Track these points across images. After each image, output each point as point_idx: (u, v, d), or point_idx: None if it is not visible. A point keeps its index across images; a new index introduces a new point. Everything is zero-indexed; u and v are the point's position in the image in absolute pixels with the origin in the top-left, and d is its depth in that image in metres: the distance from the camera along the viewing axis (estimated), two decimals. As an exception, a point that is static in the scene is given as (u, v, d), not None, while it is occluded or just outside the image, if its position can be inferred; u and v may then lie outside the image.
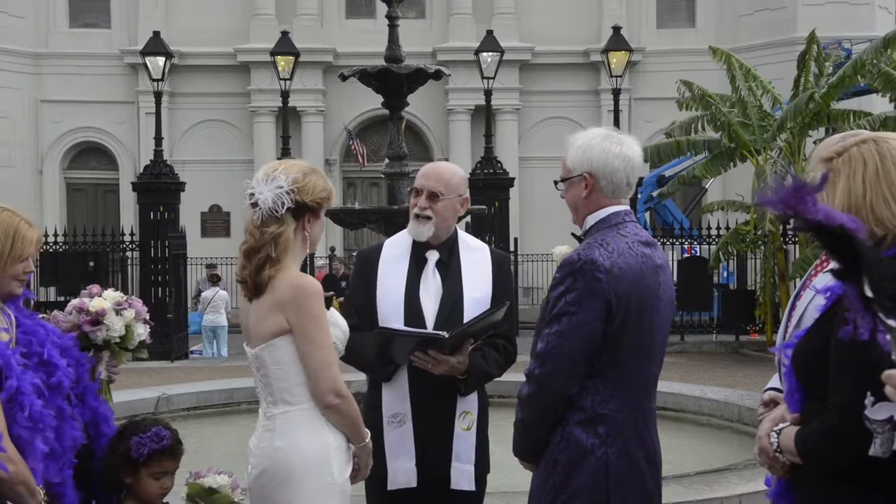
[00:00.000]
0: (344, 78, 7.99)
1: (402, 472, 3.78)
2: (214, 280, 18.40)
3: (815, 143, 14.42)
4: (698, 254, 18.32)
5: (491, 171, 18.32)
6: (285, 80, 22.17)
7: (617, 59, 20.18)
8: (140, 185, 17.42)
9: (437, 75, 7.81)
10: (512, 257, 14.16)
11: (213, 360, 16.15)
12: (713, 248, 17.16)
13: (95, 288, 3.55)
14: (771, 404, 2.75)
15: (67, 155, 29.13)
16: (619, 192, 3.18)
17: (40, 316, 3.29)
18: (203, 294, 17.97)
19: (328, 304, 3.25)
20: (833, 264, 2.01)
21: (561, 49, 28.35)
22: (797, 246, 15.96)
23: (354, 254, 5.29)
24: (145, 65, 19.14)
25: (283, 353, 3.17)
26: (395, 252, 3.94)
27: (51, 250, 17.82)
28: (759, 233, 15.96)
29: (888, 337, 1.88)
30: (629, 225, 3.16)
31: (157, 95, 18.64)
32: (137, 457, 3.35)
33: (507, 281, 4.02)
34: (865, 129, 10.17)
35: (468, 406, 3.83)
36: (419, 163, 7.98)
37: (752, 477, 5.75)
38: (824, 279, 2.66)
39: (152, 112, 20.11)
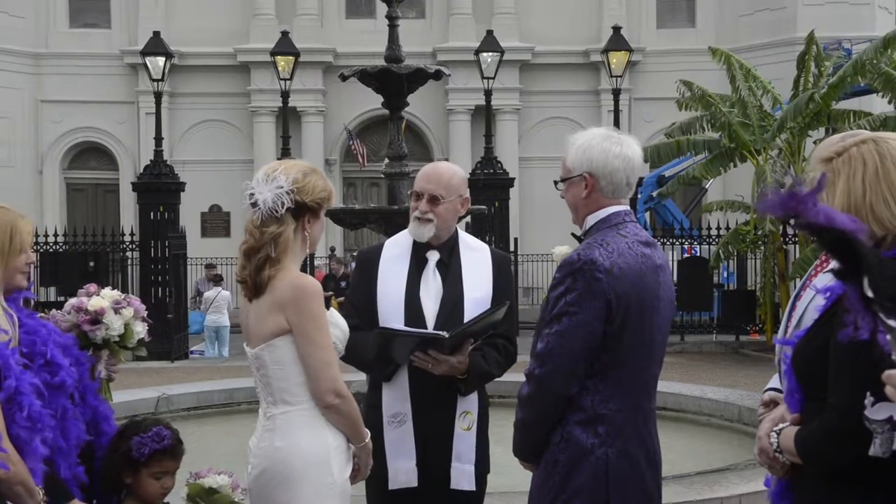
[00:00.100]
0: (344, 78, 7.99)
1: (403, 471, 3.78)
2: (217, 280, 18.41)
3: (815, 143, 14.42)
4: (698, 254, 18.32)
5: (491, 171, 18.32)
6: (285, 80, 22.17)
7: (617, 59, 20.18)
8: (140, 185, 17.42)
9: (437, 75, 7.81)
10: (512, 257, 14.16)
11: (213, 360, 16.15)
12: (713, 248, 17.17)
13: (93, 287, 3.55)
14: (771, 404, 2.76)
15: (67, 155, 29.14)
16: (618, 193, 3.18)
17: (39, 315, 3.30)
18: (205, 294, 17.97)
19: (327, 304, 3.25)
20: (833, 264, 2.01)
21: (561, 49, 28.36)
22: (797, 246, 15.97)
23: (354, 254, 5.29)
24: (145, 65, 19.14)
25: (283, 353, 3.17)
26: (395, 252, 3.94)
27: (51, 250, 17.82)
28: (759, 233, 15.97)
29: (888, 337, 1.88)
30: (629, 225, 3.16)
31: (157, 95, 18.64)
32: (138, 456, 3.35)
33: (508, 281, 4.02)
34: (865, 129, 10.17)
35: (468, 406, 3.83)
36: (419, 163, 7.97)
37: (752, 477, 5.75)
38: (824, 279, 2.66)
39: (152, 112, 20.12)
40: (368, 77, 7.74)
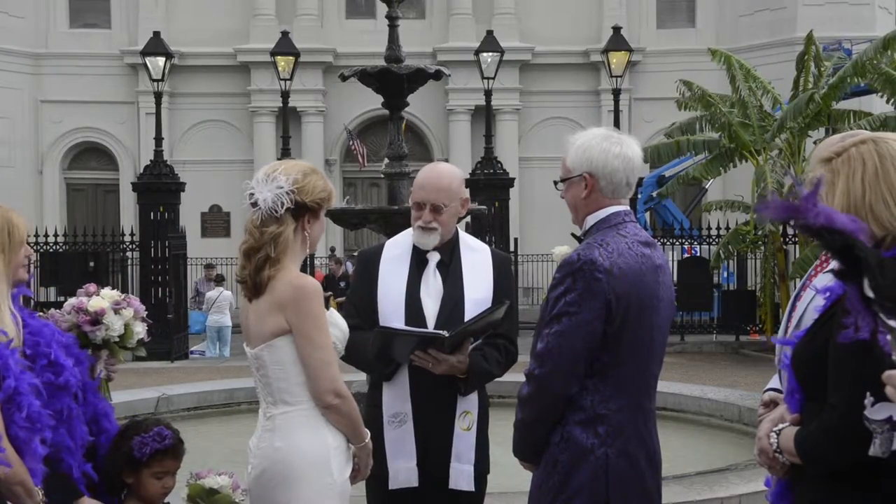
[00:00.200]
0: (344, 78, 7.99)
1: (403, 471, 3.78)
2: (219, 280, 18.41)
3: (815, 143, 14.42)
4: (698, 254, 18.33)
5: (491, 171, 18.33)
6: (285, 80, 22.18)
7: (617, 60, 20.19)
8: (140, 186, 17.42)
9: (437, 75, 7.81)
10: (512, 257, 14.17)
11: (213, 360, 16.15)
12: (713, 248, 17.17)
13: (92, 287, 3.55)
14: (771, 405, 2.76)
15: (67, 155, 29.14)
16: (618, 193, 3.18)
17: (38, 315, 3.30)
18: (207, 294, 17.97)
19: (326, 304, 3.25)
20: (833, 265, 2.01)
21: (561, 49, 28.36)
22: (797, 246, 15.97)
23: (355, 254, 5.29)
24: (145, 65, 19.15)
25: (283, 354, 3.17)
26: (396, 252, 3.94)
27: (51, 250, 17.83)
28: (759, 233, 15.97)
29: (888, 337, 1.89)
30: (629, 225, 3.16)
31: (157, 95, 18.65)
32: (139, 456, 3.35)
33: (508, 282, 4.02)
34: (865, 129, 10.18)
35: (468, 406, 3.83)
36: (419, 163, 7.98)
37: (752, 477, 5.75)
38: (824, 279, 2.66)
39: (152, 112, 20.12)
40: (368, 77, 7.75)
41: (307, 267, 17.30)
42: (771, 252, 16.29)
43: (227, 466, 3.70)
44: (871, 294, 1.89)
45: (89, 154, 29.38)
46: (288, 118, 23.05)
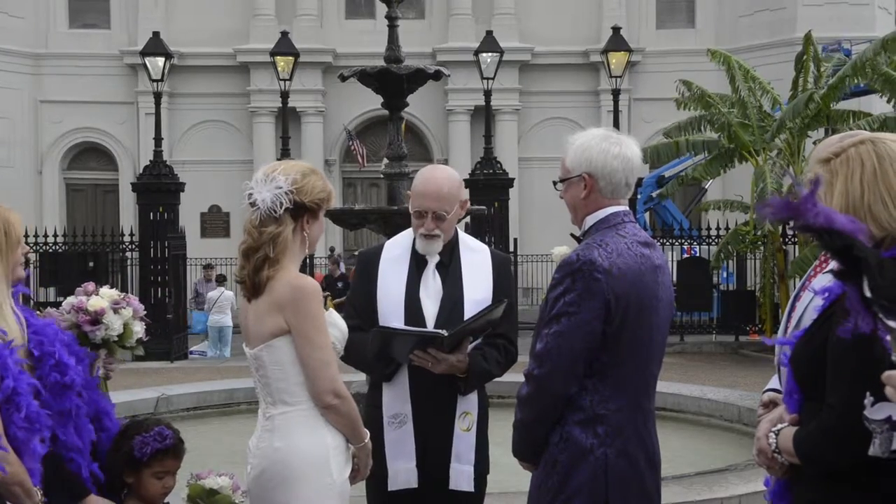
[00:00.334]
0: (343, 78, 7.99)
1: (403, 472, 3.78)
2: (220, 280, 18.41)
3: (814, 143, 14.42)
4: (698, 254, 18.33)
5: (490, 171, 18.33)
6: (285, 80, 22.19)
7: (617, 60, 20.19)
8: (140, 186, 17.42)
9: (437, 76, 7.81)
10: (511, 258, 14.17)
11: (213, 360, 16.15)
12: (713, 248, 17.17)
13: (91, 286, 3.55)
14: (770, 405, 2.76)
15: (67, 155, 29.14)
16: (617, 193, 3.18)
17: (36, 314, 3.31)
18: (209, 294, 17.98)
19: (324, 304, 3.25)
20: (833, 265, 2.01)
21: (561, 49, 28.37)
22: (796, 246, 15.98)
23: (355, 254, 5.29)
24: (145, 65, 19.15)
25: (282, 354, 3.17)
26: (395, 253, 3.94)
27: (50, 250, 17.83)
28: (759, 233, 15.97)
29: (888, 337, 1.89)
30: (628, 225, 3.16)
31: (157, 96, 18.65)
32: (140, 456, 3.34)
33: (508, 282, 4.02)
34: (864, 129, 10.17)
35: (468, 406, 3.83)
36: (419, 163, 7.98)
37: (752, 477, 5.75)
38: (823, 281, 2.66)
39: (152, 112, 20.13)
40: (368, 77, 7.75)
41: (307, 267, 17.31)
42: (770, 252, 16.29)
43: (226, 466, 3.70)
44: (870, 294, 1.89)
45: (89, 154, 29.38)
46: (287, 118, 23.07)
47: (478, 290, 3.86)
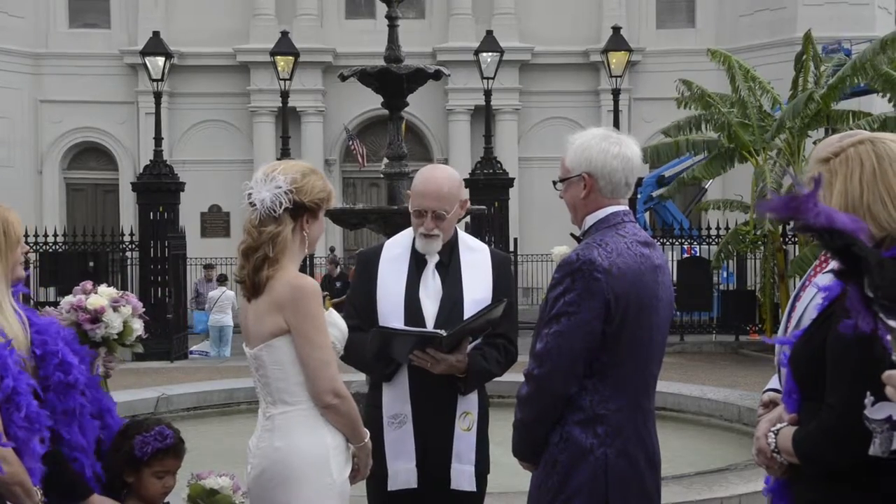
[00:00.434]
0: (344, 78, 7.99)
1: (403, 472, 3.78)
2: (221, 280, 18.42)
3: (814, 143, 14.41)
4: (698, 254, 18.33)
5: (490, 171, 18.33)
6: (285, 80, 22.19)
7: (617, 60, 20.19)
8: (140, 186, 17.41)
9: (437, 75, 7.81)
10: (511, 257, 14.16)
11: (213, 360, 16.15)
12: (713, 248, 17.17)
13: (89, 284, 3.56)
14: (770, 405, 2.76)
15: (67, 155, 29.15)
16: (617, 193, 3.18)
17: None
18: (210, 294, 17.98)
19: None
20: (833, 264, 2.01)
21: (561, 49, 28.37)
22: (796, 246, 15.97)
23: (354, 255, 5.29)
24: (145, 65, 19.15)
25: (282, 354, 3.17)
26: (395, 253, 3.94)
27: (50, 250, 17.83)
28: (759, 233, 15.96)
29: (889, 337, 1.89)
30: (628, 225, 3.16)
31: (157, 95, 18.65)
32: (141, 455, 3.34)
33: (508, 282, 4.02)
34: (864, 129, 10.17)
35: (468, 406, 3.83)
36: (419, 163, 7.98)
37: (752, 477, 5.75)
38: (825, 279, 2.66)
39: (152, 112, 20.12)
40: (368, 77, 7.75)
41: (307, 267, 17.31)
42: (770, 252, 16.29)
43: (226, 466, 3.70)
44: (871, 294, 1.89)
45: (89, 154, 29.38)
46: (287, 118, 23.07)
47: (477, 289, 3.86)
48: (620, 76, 20.27)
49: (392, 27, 7.87)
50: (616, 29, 20.95)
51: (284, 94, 22.30)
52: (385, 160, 8.25)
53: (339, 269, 21.36)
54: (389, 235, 4.28)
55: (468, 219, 13.67)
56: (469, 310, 3.79)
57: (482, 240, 5.31)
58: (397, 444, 3.78)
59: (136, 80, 27.79)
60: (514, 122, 28.67)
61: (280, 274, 3.17)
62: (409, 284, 3.85)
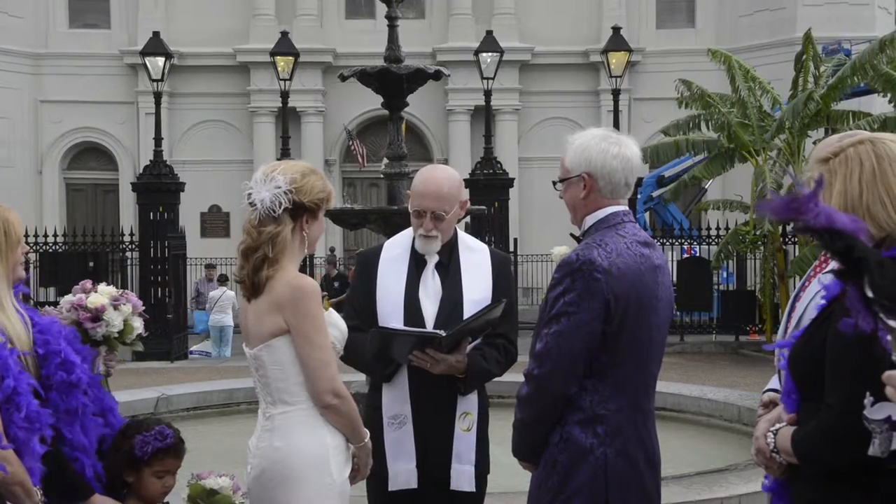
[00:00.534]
0: (343, 78, 7.99)
1: (403, 472, 3.78)
2: (222, 280, 18.42)
3: (814, 143, 14.41)
4: (698, 254, 18.33)
5: (490, 171, 18.33)
6: (285, 80, 22.19)
7: (616, 60, 20.19)
8: (140, 186, 17.41)
9: (437, 76, 7.81)
10: (511, 257, 14.16)
11: (213, 360, 16.15)
12: (713, 248, 17.17)
13: (89, 283, 3.56)
14: (770, 405, 2.76)
15: (67, 155, 29.14)
16: (617, 193, 3.18)
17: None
18: (211, 294, 17.99)
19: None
20: (833, 264, 2.01)
21: (561, 49, 28.37)
22: (796, 246, 15.97)
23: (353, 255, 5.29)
24: (145, 65, 19.15)
25: (282, 354, 3.17)
26: (394, 253, 3.94)
27: (50, 250, 17.84)
28: (759, 233, 15.96)
29: (889, 337, 1.89)
30: (628, 225, 3.16)
31: (157, 96, 18.65)
32: (141, 455, 3.34)
33: (507, 282, 4.02)
34: (864, 129, 10.16)
35: (468, 407, 3.83)
36: (419, 163, 7.97)
37: (752, 477, 5.75)
38: (826, 278, 2.66)
39: (152, 112, 20.12)
40: (368, 77, 7.75)
41: (307, 267, 17.31)
42: (770, 252, 16.29)
43: (226, 466, 3.70)
44: (871, 294, 1.89)
45: (89, 154, 29.38)
46: (287, 118, 23.07)
47: (477, 289, 3.86)
48: (620, 76, 20.27)
49: (392, 27, 7.87)
50: (616, 29, 20.96)
51: (284, 95, 22.30)
52: (385, 160, 8.25)
53: (336, 270, 21.35)
54: (389, 235, 4.28)
55: (468, 219, 13.67)
56: (469, 310, 3.79)
57: (482, 240, 5.31)
58: (397, 445, 3.78)
59: (136, 80, 27.78)
60: (514, 122, 28.67)
61: (280, 274, 3.17)
62: (408, 285, 3.85)
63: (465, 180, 7.78)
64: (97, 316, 3.45)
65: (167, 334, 15.70)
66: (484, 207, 13.27)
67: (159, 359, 14.60)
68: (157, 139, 18.03)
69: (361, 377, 5.59)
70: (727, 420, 8.75)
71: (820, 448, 2.36)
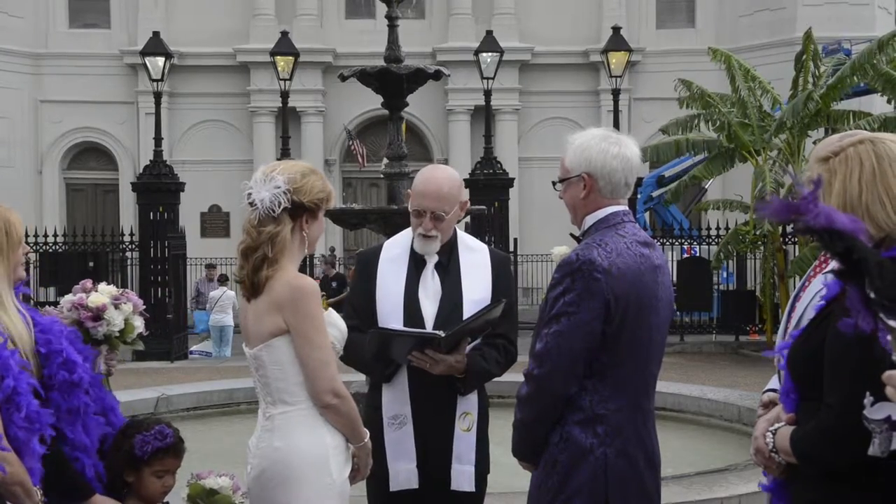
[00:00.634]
0: (343, 78, 7.99)
1: (403, 473, 3.78)
2: (223, 280, 18.42)
3: (814, 143, 14.40)
4: (698, 254, 18.33)
5: (490, 171, 18.33)
6: (285, 80, 22.19)
7: (616, 60, 20.19)
8: (140, 186, 17.42)
9: (437, 75, 7.81)
10: (511, 257, 14.16)
11: (213, 360, 16.16)
12: (713, 248, 17.17)
13: (89, 283, 3.56)
14: (770, 406, 2.75)
15: (67, 155, 29.15)
16: (617, 193, 3.18)
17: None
18: (211, 294, 18.00)
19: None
20: (834, 264, 2.01)
21: (561, 49, 28.37)
22: (796, 246, 15.97)
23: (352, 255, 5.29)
24: (145, 65, 19.16)
25: (282, 354, 3.17)
26: (394, 253, 3.94)
27: (50, 250, 17.84)
28: (759, 233, 15.97)
29: (889, 337, 1.89)
30: (627, 225, 3.16)
31: (157, 96, 18.65)
32: (141, 454, 3.34)
33: (507, 282, 4.02)
34: (864, 129, 10.15)
35: (468, 407, 3.83)
36: (419, 163, 7.98)
37: (752, 477, 5.74)
38: (826, 278, 2.66)
39: (152, 112, 20.13)
40: (368, 77, 7.75)
41: (307, 267, 17.31)
42: (770, 252, 16.29)
43: (226, 466, 3.70)
44: (871, 294, 1.89)
45: (89, 154, 29.38)
46: (287, 118, 23.07)
47: (477, 289, 3.86)
48: (620, 76, 20.27)
49: (392, 27, 7.87)
50: (616, 29, 20.96)
51: (284, 95, 22.30)
52: (385, 160, 8.25)
53: (335, 270, 21.36)
54: (389, 236, 4.28)
55: (468, 219, 13.67)
56: (468, 310, 3.79)
57: (482, 240, 5.31)
58: (398, 445, 3.78)
59: (136, 80, 27.78)
60: (514, 122, 28.67)
61: (279, 274, 3.17)
62: (408, 285, 3.85)
63: (465, 180, 7.79)
64: (98, 315, 3.45)
65: (167, 334, 15.71)
66: (484, 207, 13.27)
67: (159, 359, 14.60)
68: (157, 139, 18.03)
69: (361, 377, 5.59)
70: (727, 420, 8.75)
71: (819, 448, 2.36)
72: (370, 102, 17.31)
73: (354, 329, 3.59)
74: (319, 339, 3.16)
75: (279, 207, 3.17)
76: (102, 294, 3.50)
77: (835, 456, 2.34)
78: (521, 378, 3.12)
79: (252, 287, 3.20)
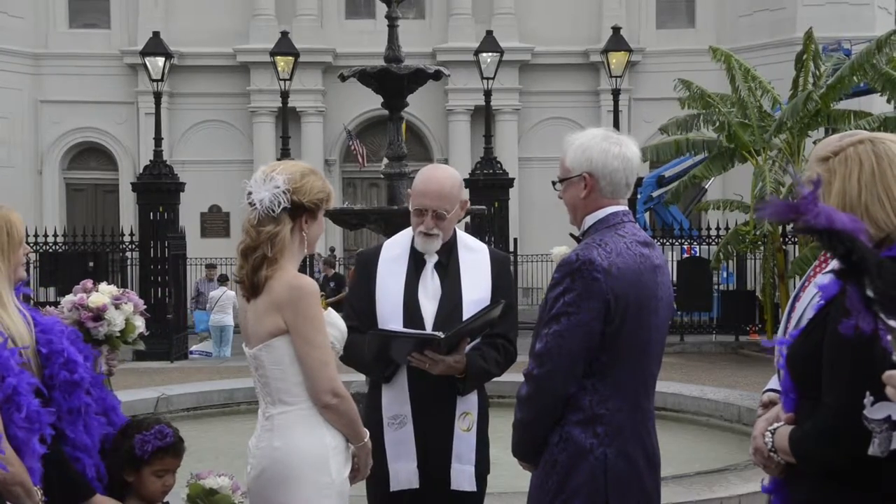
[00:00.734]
0: (343, 78, 7.99)
1: (404, 472, 3.78)
2: (223, 280, 18.43)
3: (814, 143, 14.40)
4: (698, 254, 18.33)
5: (490, 171, 18.34)
6: (285, 80, 22.19)
7: (616, 60, 20.19)
8: (140, 186, 17.42)
9: (437, 76, 7.82)
10: (511, 258, 14.15)
11: (213, 360, 16.16)
12: (713, 248, 17.18)
13: (89, 283, 3.57)
14: (770, 406, 2.76)
15: (67, 155, 29.14)
16: (617, 193, 3.18)
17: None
18: (211, 294, 18.00)
19: None
20: (834, 264, 2.01)
21: (561, 49, 28.37)
22: (796, 246, 15.98)
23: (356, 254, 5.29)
24: (145, 65, 19.16)
25: (281, 354, 3.17)
26: (394, 253, 3.94)
27: (50, 250, 17.84)
28: (759, 233, 15.97)
29: (889, 337, 1.89)
30: (627, 225, 3.16)
31: (157, 96, 18.65)
32: (141, 454, 3.34)
33: (507, 282, 4.02)
34: (864, 129, 10.15)
35: (468, 407, 3.83)
36: (419, 163, 7.97)
37: (752, 477, 5.75)
38: (825, 279, 2.66)
39: (152, 112, 20.13)
40: (368, 77, 7.75)
41: (307, 267, 17.30)
42: (770, 252, 16.29)
43: (226, 466, 3.70)
44: (871, 294, 1.89)
45: (89, 154, 29.38)
46: (287, 118, 23.06)
47: (476, 289, 3.86)
48: (620, 76, 20.27)
49: (392, 27, 7.87)
50: (616, 29, 20.96)
51: (284, 95, 22.30)
52: (385, 160, 8.26)
53: (333, 270, 21.35)
54: (389, 236, 4.28)
55: (468, 219, 13.67)
56: (468, 310, 3.79)
57: (482, 240, 5.31)
58: (398, 445, 3.78)
59: (136, 80, 27.78)
60: (513, 122, 28.67)
61: (279, 274, 3.17)
62: (407, 285, 3.85)
63: (465, 180, 7.79)
64: (99, 315, 3.45)
65: (167, 334, 15.71)
66: (484, 207, 13.27)
67: (159, 359, 14.61)
68: (157, 139, 18.04)
69: (361, 377, 5.59)
70: (727, 420, 8.75)
71: (818, 447, 2.36)
72: (370, 102, 17.30)
73: (354, 329, 3.59)
74: (319, 339, 3.16)
75: (279, 207, 3.18)
76: (103, 294, 3.50)
77: (833, 455, 2.34)
78: (521, 378, 3.12)
79: (252, 287, 3.20)
